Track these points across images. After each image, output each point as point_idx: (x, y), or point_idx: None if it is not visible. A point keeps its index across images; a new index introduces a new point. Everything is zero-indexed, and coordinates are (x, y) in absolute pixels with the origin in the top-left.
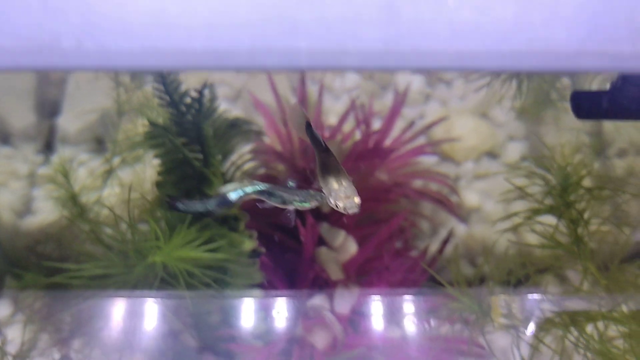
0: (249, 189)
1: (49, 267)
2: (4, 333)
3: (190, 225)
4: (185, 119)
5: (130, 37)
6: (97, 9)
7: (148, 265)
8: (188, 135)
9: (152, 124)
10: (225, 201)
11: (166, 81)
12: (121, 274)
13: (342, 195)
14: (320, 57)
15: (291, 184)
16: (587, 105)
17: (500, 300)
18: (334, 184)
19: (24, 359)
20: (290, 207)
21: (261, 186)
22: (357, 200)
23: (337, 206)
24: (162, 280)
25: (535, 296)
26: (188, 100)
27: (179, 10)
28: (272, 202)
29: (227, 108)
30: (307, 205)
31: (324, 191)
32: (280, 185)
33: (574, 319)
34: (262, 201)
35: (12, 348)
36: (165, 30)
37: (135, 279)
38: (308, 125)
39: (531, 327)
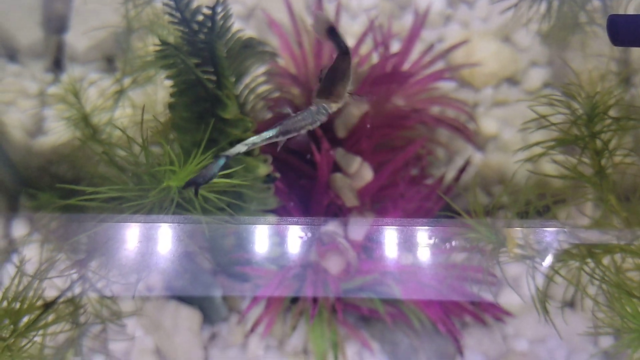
0: (257, 139)
1: (63, 188)
2: (21, 252)
3: (205, 150)
4: (197, 37)
5: None
6: None
7: (163, 189)
8: (200, 55)
9: (164, 43)
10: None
11: None
12: (136, 198)
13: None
14: None
15: (287, 110)
16: (625, 30)
17: (516, 231)
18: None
19: (41, 279)
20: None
21: (269, 133)
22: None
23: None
24: (177, 205)
25: (552, 228)
26: (200, 18)
27: None
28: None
29: (240, 27)
30: (318, 124)
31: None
32: (285, 120)
33: (591, 251)
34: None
35: (29, 267)
36: None
37: (150, 202)
38: (332, 30)
39: (547, 258)
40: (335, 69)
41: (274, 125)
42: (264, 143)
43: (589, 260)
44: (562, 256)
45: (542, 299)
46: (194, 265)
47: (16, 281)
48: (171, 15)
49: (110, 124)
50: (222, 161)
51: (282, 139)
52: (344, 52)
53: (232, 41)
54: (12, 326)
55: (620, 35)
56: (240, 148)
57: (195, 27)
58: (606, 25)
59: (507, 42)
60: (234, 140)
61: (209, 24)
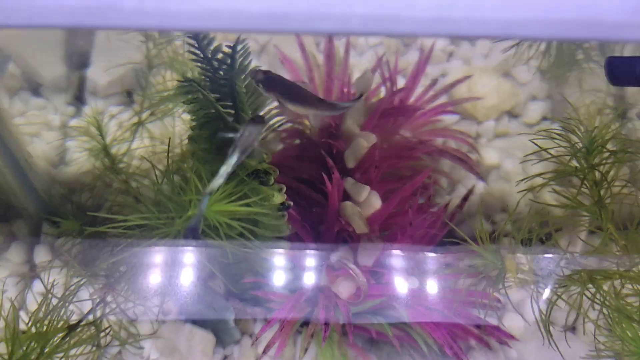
0: (227, 167)
1: (85, 215)
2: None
3: (228, 182)
4: (217, 74)
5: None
6: None
7: (188, 218)
8: (220, 90)
9: (187, 79)
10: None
11: (199, 37)
12: (162, 226)
13: None
14: (373, 23)
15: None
16: (622, 71)
17: (516, 258)
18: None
19: (67, 303)
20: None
21: (233, 157)
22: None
23: None
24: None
25: (554, 254)
26: (220, 55)
27: None
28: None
29: (256, 64)
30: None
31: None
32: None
33: (592, 277)
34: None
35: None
36: None
37: (175, 230)
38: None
39: (549, 284)
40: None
41: (231, 150)
42: (233, 168)
43: (590, 285)
44: (564, 282)
45: (546, 323)
46: (207, 290)
47: (42, 305)
48: (193, 53)
49: (129, 154)
50: (207, 198)
51: (243, 157)
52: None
53: (250, 77)
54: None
55: (617, 76)
56: (219, 181)
57: (216, 64)
58: (604, 66)
59: (507, 77)
60: (251, 171)
61: (229, 62)
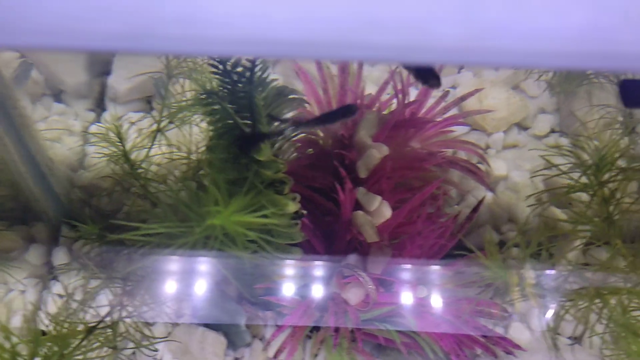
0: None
1: (102, 219)
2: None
3: (246, 192)
4: (236, 87)
5: (224, 26)
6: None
7: (207, 227)
8: (238, 102)
9: (207, 92)
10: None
11: None
12: (180, 235)
13: None
14: (397, 52)
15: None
16: (636, 94)
17: (522, 272)
18: None
19: (85, 306)
20: None
21: None
22: None
23: None
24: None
25: (562, 269)
26: (240, 69)
27: (268, 6)
28: None
29: (274, 77)
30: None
31: None
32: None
33: (599, 292)
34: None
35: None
36: (255, 21)
37: (194, 239)
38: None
39: (556, 297)
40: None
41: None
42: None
43: (597, 300)
44: (571, 296)
45: (552, 335)
46: (221, 294)
47: (60, 306)
48: (213, 66)
49: (147, 160)
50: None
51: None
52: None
53: (267, 89)
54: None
55: (631, 98)
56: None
57: (235, 76)
58: (618, 89)
59: (517, 90)
60: (266, 180)
61: (248, 74)
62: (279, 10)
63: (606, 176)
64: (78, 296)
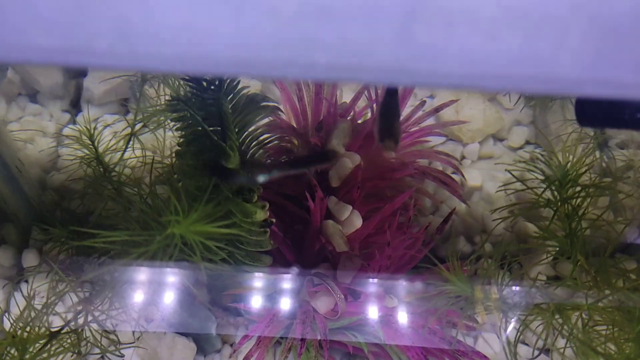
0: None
1: (74, 222)
2: (30, 283)
3: (208, 201)
4: (206, 94)
5: (160, 43)
6: (129, 17)
7: (167, 236)
8: (207, 109)
9: (175, 98)
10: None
11: None
12: (143, 242)
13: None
14: (337, 72)
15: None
16: (589, 113)
17: (487, 288)
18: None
19: (49, 310)
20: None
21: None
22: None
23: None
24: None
25: (525, 283)
26: (209, 76)
27: (207, 24)
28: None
29: (245, 84)
30: None
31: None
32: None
33: (560, 308)
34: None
35: (37, 298)
36: (192, 39)
37: (155, 248)
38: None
39: (518, 312)
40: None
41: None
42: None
43: (557, 316)
44: (533, 311)
45: (513, 350)
46: (191, 299)
47: (24, 311)
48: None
49: (120, 164)
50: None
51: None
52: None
53: (237, 96)
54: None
55: (585, 117)
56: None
57: (204, 83)
58: (574, 108)
59: (493, 102)
60: (235, 188)
61: (217, 82)
62: (215, 26)
63: (570, 192)
64: (44, 300)
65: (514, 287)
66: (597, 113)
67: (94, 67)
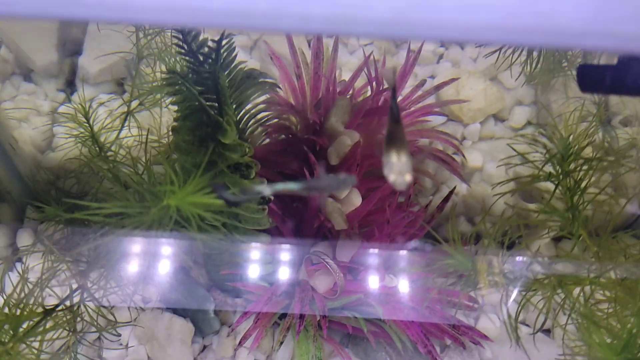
0: (281, 186)
1: (68, 201)
2: (25, 261)
3: (204, 172)
4: (202, 67)
5: None
6: None
7: (163, 208)
8: (204, 83)
9: (171, 71)
10: (257, 194)
11: (184, 30)
12: (138, 214)
13: (396, 169)
14: (332, 24)
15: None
16: (592, 79)
17: (489, 261)
18: (393, 156)
19: (43, 288)
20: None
21: (294, 185)
22: (408, 178)
23: (388, 178)
24: (176, 222)
25: (526, 258)
26: (206, 49)
27: None
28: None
29: (243, 59)
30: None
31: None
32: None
33: (562, 282)
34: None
35: (32, 276)
36: None
37: (150, 219)
38: (393, 93)
39: (520, 287)
40: (393, 137)
41: (302, 181)
42: (285, 191)
43: (559, 290)
44: (534, 285)
45: (514, 325)
46: (188, 279)
47: (18, 288)
48: (179, 46)
49: (116, 142)
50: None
51: (304, 193)
52: (394, 120)
53: (234, 72)
54: (11, 331)
55: (587, 83)
56: (266, 190)
57: (201, 57)
58: (576, 74)
59: (494, 81)
60: (232, 164)
61: (213, 56)
62: None
63: (572, 166)
64: (40, 277)
65: (517, 258)
66: (599, 79)
67: (84, 19)
